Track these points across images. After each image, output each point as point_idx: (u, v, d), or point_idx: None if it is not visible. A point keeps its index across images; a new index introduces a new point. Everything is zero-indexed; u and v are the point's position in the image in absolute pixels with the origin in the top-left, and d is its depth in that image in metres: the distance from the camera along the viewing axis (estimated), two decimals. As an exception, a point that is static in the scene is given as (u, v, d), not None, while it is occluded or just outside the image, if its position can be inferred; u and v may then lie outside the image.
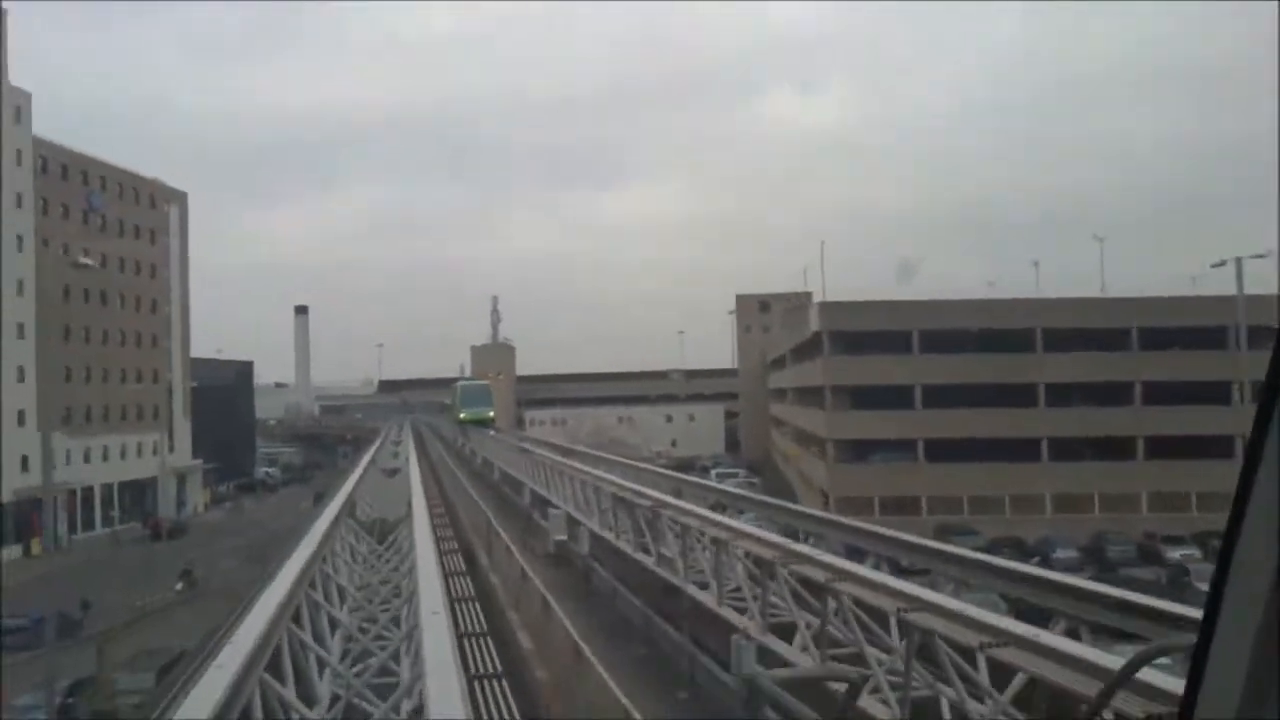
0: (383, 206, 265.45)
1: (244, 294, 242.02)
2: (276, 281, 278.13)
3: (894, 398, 64.16)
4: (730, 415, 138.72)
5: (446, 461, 61.02)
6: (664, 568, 19.34)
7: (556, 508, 30.30)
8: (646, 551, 20.87)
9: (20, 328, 75.60)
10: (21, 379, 75.62)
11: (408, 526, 19.82)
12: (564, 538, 28.82)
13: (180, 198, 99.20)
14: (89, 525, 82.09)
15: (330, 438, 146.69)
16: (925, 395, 64.35)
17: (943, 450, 63.52)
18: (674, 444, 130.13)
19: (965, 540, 46.17)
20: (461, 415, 78.55)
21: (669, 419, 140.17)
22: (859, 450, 66.08)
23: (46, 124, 79.63)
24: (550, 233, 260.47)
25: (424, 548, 16.71)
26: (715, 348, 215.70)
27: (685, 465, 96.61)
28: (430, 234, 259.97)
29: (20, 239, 75.93)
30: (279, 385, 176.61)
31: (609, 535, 24.99)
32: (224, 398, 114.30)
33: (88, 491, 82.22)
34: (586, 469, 30.57)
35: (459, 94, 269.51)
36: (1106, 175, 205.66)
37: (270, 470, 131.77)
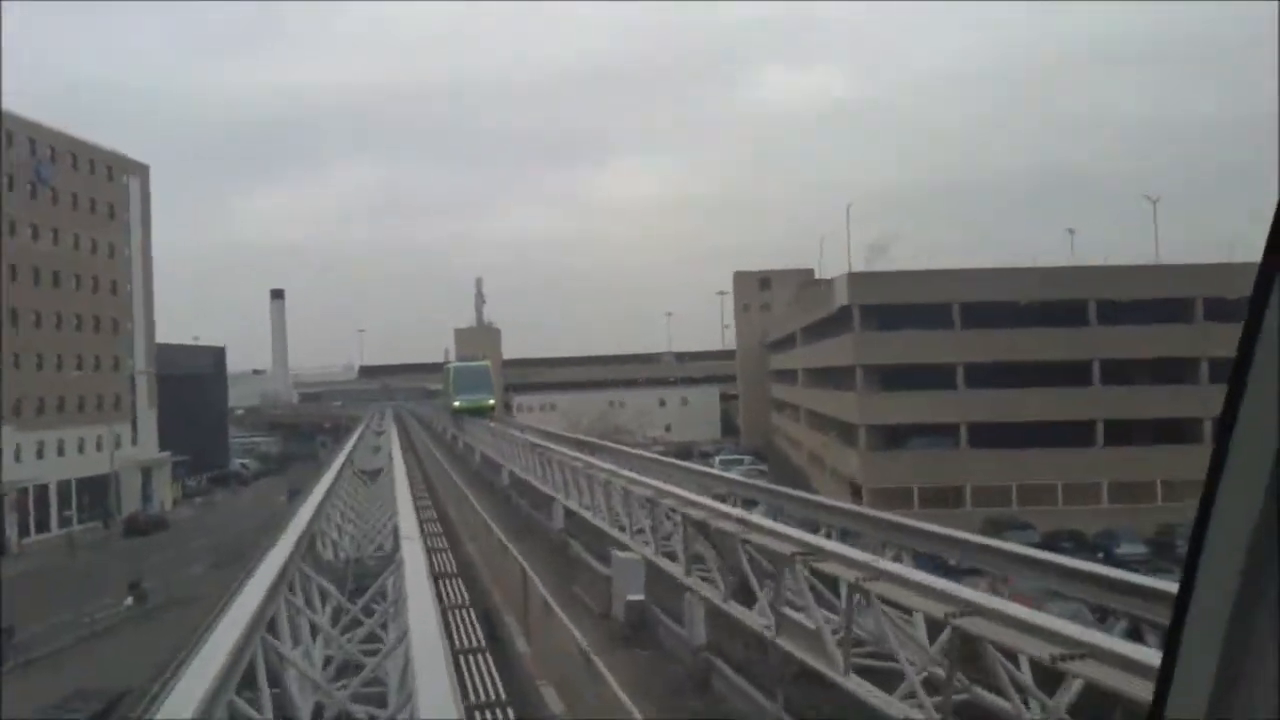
0: (364, 189, 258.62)
1: (220, 279, 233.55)
2: (254, 266, 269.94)
3: (933, 377, 57.77)
4: (726, 398, 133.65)
5: (437, 458, 52.67)
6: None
7: (624, 548, 19.79)
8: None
9: (-41, 311, 68.44)
10: (-37, 368, 68.44)
11: (396, 574, 13.16)
12: (639, 597, 18.04)
13: (141, 170, 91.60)
14: (43, 526, 74.81)
15: (309, 426, 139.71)
16: (968, 374, 57.90)
17: (988, 435, 57.35)
18: (668, 429, 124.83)
19: (1019, 535, 40.47)
20: (456, 403, 68.22)
21: (662, 403, 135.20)
22: (894, 436, 59.61)
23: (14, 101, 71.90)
24: (535, 215, 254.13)
25: (423, 624, 10.02)
26: (705, 330, 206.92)
27: (683, 451, 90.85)
28: (412, 217, 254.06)
29: (-42, 214, 68.65)
30: (256, 372, 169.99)
31: (712, 595, 15.93)
32: (194, 386, 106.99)
33: (41, 490, 74.93)
34: (640, 478, 22.53)
35: (443, 75, 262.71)
36: (1109, 146, 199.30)
37: (245, 462, 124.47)
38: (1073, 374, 56.80)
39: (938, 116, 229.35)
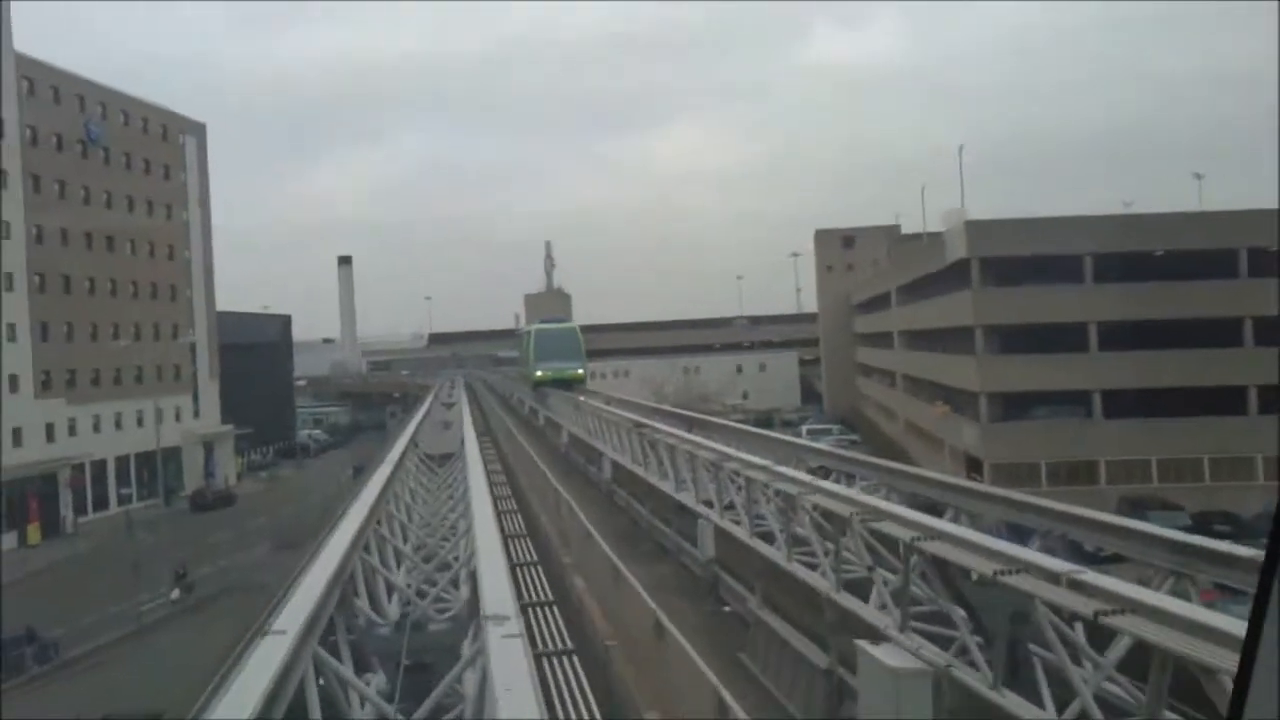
0: (428, 158, 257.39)
1: (288, 250, 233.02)
2: (323, 237, 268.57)
3: (1062, 338, 51.37)
4: (804, 363, 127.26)
5: (516, 438, 42.57)
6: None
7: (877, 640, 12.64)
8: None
9: (9, 279, 64.62)
10: (13, 338, 64.74)
11: (478, 642, 7.93)
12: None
13: (198, 129, 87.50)
14: (101, 504, 71.36)
15: (378, 396, 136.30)
16: (1101, 335, 51.47)
17: (1124, 403, 50.87)
18: (745, 396, 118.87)
19: (1165, 518, 34.99)
20: (538, 373, 57.24)
21: (739, 369, 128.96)
22: (1017, 405, 53.39)
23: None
24: (598, 180, 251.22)
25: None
26: (772, 294, 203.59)
27: (763, 420, 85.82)
28: (478, 184, 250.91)
29: (3, 174, 64.70)
30: (326, 341, 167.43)
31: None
32: (259, 355, 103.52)
33: (98, 465, 71.52)
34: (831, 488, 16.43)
35: (503, 42, 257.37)
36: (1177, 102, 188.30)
37: (313, 433, 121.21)
38: (1221, 332, 50.10)
39: (1001, 75, 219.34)
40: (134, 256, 77.96)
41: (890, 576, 12.32)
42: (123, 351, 74.11)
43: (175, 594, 45.70)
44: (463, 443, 26.05)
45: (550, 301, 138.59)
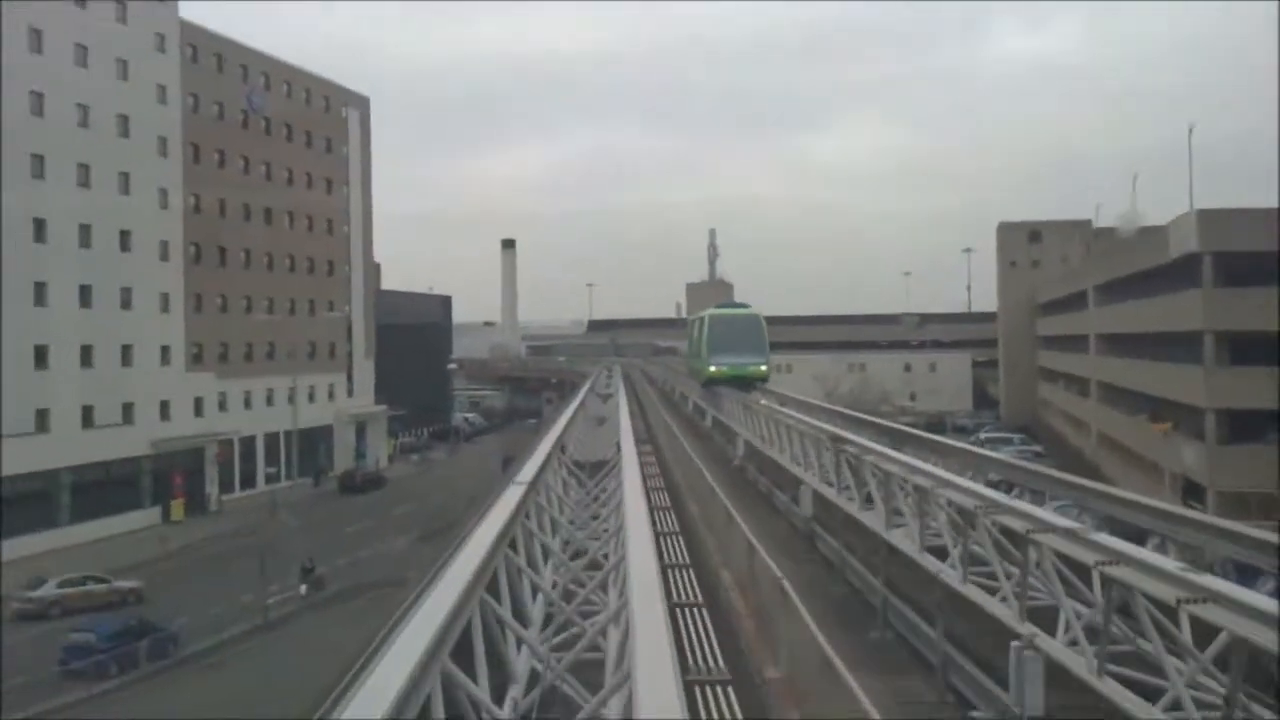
0: (594, 148, 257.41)
1: (455, 235, 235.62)
2: (485, 222, 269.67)
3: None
4: (977, 365, 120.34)
5: (680, 443, 34.28)
6: None
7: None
8: None
9: (164, 246, 63.12)
10: (166, 308, 63.25)
11: None
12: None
13: (362, 103, 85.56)
14: (248, 481, 69.69)
15: (534, 381, 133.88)
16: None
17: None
18: (913, 398, 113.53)
19: None
20: (711, 368, 47.85)
21: (907, 368, 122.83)
22: (1251, 425, 45.91)
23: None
24: (759, 173, 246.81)
25: None
26: (942, 291, 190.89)
27: (935, 424, 79.80)
28: (642, 175, 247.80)
29: (163, 141, 63.16)
30: (487, 324, 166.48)
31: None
32: (418, 335, 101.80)
33: (247, 442, 69.85)
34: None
35: (666, 37, 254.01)
36: None
37: (469, 416, 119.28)
38: None
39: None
40: (292, 230, 76.31)
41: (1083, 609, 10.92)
42: (277, 326, 72.40)
43: (303, 589, 42.44)
44: (619, 450, 21.21)
45: (712, 292, 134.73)
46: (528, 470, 16.60)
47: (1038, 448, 78.89)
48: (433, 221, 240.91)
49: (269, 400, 72.29)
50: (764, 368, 48.11)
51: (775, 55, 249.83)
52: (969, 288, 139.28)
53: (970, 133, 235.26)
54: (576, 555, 14.65)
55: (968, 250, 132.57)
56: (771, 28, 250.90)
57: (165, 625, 37.44)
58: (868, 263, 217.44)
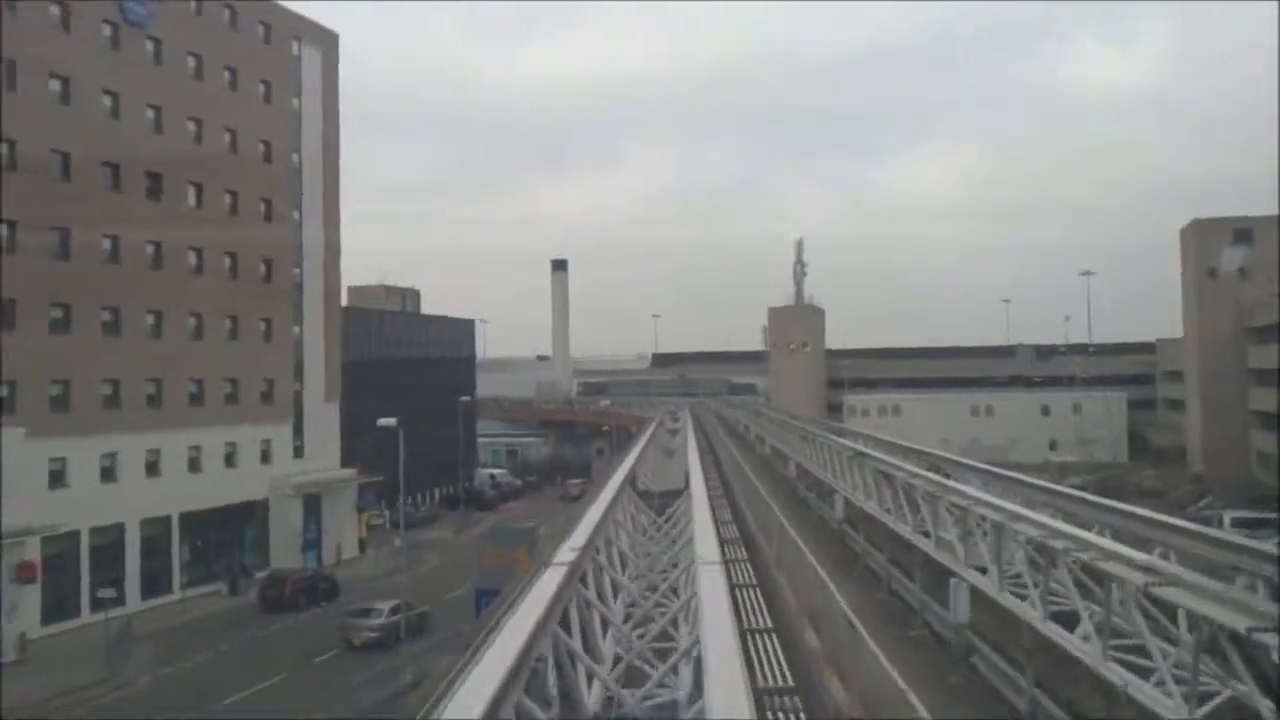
0: (658, 174, 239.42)
1: (510, 261, 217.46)
2: (544, 250, 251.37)
3: None
4: (1136, 406, 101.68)
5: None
6: None
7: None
8: None
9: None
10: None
11: None
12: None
13: (326, 39, 60.26)
14: (101, 602, 43.78)
15: (585, 425, 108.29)
16: None
17: None
18: (1052, 446, 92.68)
19: None
20: None
21: (1045, 411, 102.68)
22: None
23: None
24: (835, 200, 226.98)
25: None
26: (1045, 321, 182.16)
27: (1110, 486, 56.27)
28: (710, 202, 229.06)
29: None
30: (541, 358, 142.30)
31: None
32: (426, 370, 76.74)
33: (114, 533, 44.50)
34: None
35: (732, 62, 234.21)
36: None
37: (496, 473, 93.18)
38: None
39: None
40: (199, 210, 50.85)
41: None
42: (169, 356, 47.22)
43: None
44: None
45: (799, 319, 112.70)
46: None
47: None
48: (492, 251, 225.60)
49: (152, 469, 46.90)
50: None
51: (856, 78, 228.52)
52: (1088, 314, 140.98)
53: (1061, 158, 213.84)
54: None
55: (1086, 273, 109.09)
56: (858, 44, 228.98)
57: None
58: (954, 288, 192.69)
